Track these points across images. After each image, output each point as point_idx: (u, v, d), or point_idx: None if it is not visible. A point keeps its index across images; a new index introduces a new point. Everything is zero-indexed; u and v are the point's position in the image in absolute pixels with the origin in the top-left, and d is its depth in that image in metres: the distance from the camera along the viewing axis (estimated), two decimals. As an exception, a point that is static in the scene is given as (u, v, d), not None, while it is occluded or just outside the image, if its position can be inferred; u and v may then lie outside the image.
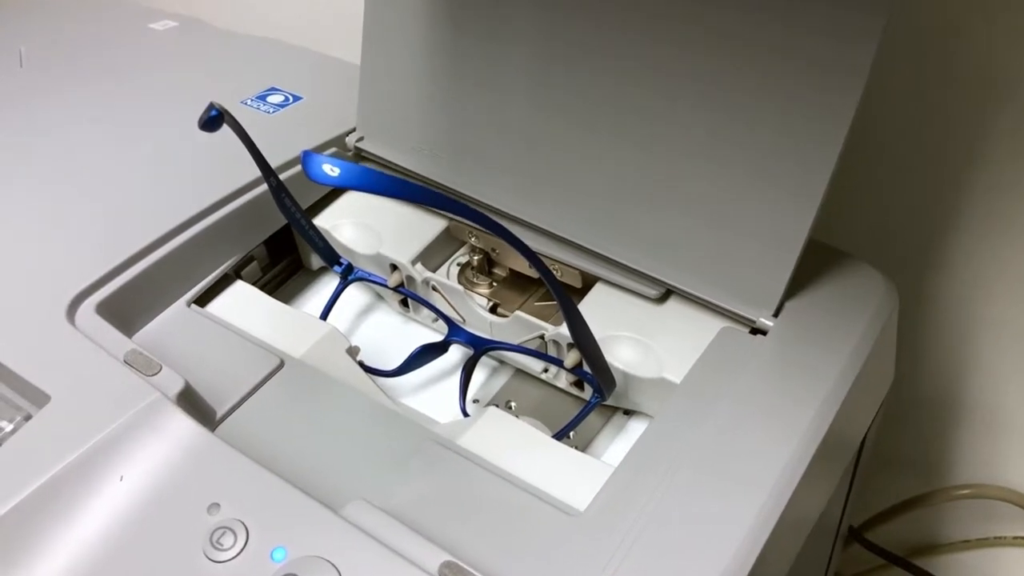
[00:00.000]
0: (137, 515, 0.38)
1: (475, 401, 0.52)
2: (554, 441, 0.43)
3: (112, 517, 0.38)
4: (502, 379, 0.53)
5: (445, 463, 0.41)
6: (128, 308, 0.48)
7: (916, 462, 0.76)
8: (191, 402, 0.43)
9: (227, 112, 0.39)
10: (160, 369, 0.43)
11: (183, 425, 0.40)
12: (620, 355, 0.47)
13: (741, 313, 0.46)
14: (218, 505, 0.38)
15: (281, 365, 0.46)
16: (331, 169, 0.33)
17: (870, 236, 0.66)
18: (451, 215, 0.34)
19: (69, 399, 0.41)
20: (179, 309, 0.50)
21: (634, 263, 0.49)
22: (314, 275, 0.62)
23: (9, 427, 0.41)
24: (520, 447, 0.43)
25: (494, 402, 0.51)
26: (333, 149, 0.58)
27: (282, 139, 0.58)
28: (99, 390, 0.41)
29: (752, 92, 0.42)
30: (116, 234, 0.50)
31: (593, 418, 0.49)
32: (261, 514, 0.37)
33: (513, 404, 0.51)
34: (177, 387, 0.42)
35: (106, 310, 0.47)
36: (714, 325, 0.47)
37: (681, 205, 0.47)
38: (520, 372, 0.53)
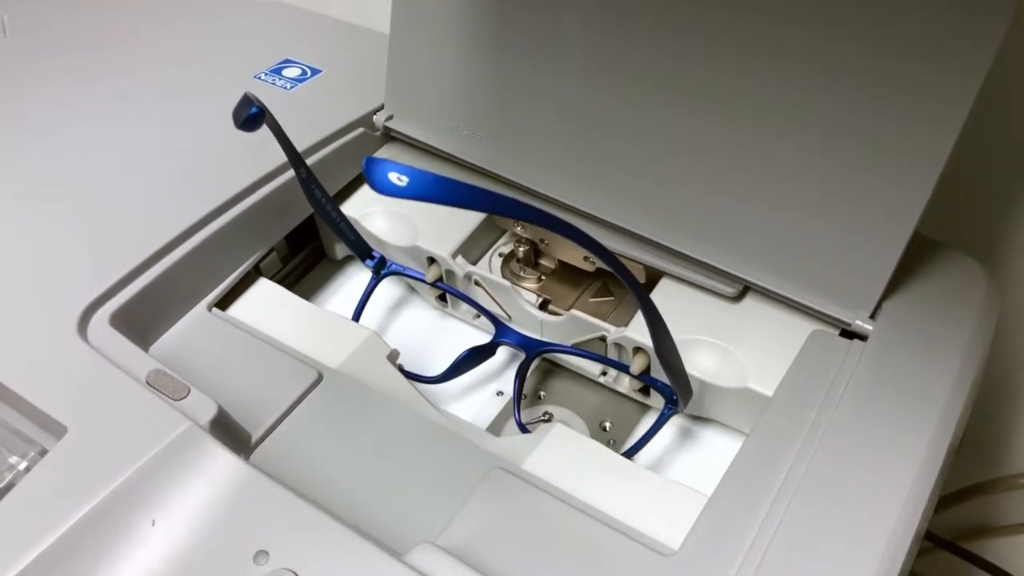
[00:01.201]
0: (174, 566, 0.34)
1: (499, 393, 0.48)
2: (631, 464, 0.39)
3: (145, 570, 0.34)
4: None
5: (514, 493, 0.37)
6: (144, 317, 0.44)
7: (976, 448, 0.73)
8: (225, 429, 0.38)
9: (267, 110, 0.34)
10: (188, 392, 0.39)
11: (221, 458, 0.36)
12: (697, 362, 0.43)
13: (833, 315, 0.42)
14: (266, 553, 0.34)
15: (319, 379, 0.42)
16: (398, 178, 0.28)
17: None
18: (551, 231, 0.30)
19: (88, 431, 0.37)
20: (200, 315, 0.46)
21: (708, 257, 0.45)
22: (338, 265, 0.57)
23: (22, 464, 0.36)
24: (593, 471, 0.39)
25: (526, 393, 0.48)
26: (360, 130, 0.53)
27: (303, 119, 0.53)
28: (121, 419, 0.37)
29: (865, 69, 0.38)
30: (125, 235, 0.46)
31: (622, 409, 0.45)
32: (315, 563, 0.34)
33: (542, 394, 0.48)
34: (209, 413, 0.38)
35: (121, 321, 0.42)
36: (801, 327, 0.43)
37: (766, 193, 0.42)
38: (544, 362, 0.49)
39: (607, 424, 0.47)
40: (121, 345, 0.41)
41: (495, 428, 0.47)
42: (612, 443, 0.46)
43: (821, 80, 0.39)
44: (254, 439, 0.40)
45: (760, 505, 0.35)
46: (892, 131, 0.38)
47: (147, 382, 0.39)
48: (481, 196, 0.29)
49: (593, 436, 0.45)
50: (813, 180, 0.41)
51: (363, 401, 0.42)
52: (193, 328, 0.45)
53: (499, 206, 0.29)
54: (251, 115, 0.31)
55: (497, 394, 0.48)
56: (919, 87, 0.37)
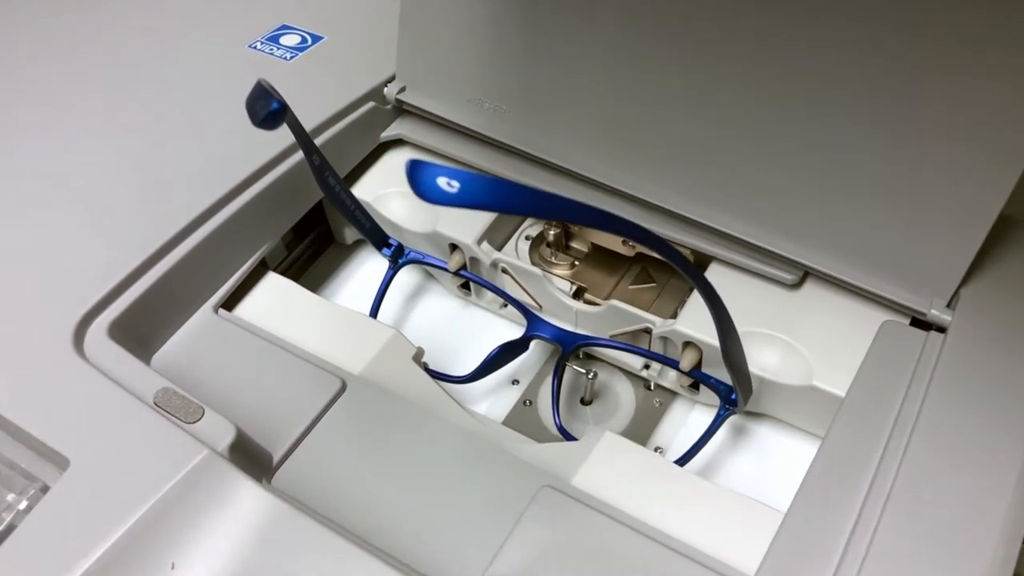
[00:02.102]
0: (199, 615, 0.31)
1: (515, 382, 0.46)
2: (691, 476, 0.36)
3: (168, 620, 0.31)
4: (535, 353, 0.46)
5: (567, 516, 0.34)
6: (145, 324, 0.40)
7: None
8: (245, 453, 0.35)
9: (288, 106, 0.30)
10: (202, 414, 0.35)
11: (243, 489, 0.33)
12: (756, 357, 0.40)
13: (905, 303, 0.39)
14: (300, 596, 0.31)
15: (343, 388, 0.39)
16: (448, 184, 0.25)
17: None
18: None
19: (93, 463, 0.33)
20: (205, 317, 0.42)
21: (763, 240, 0.41)
22: (348, 250, 0.54)
23: (22, 503, 0.33)
24: (650, 485, 0.36)
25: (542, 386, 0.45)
26: (370, 105, 0.49)
27: (306, 94, 0.49)
28: (130, 448, 0.34)
29: (959, 31, 0.34)
30: (119, 235, 0.42)
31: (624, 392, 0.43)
32: (356, 606, 0.30)
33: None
34: (228, 436, 0.35)
35: (120, 331, 0.39)
36: (868, 317, 0.39)
37: (828, 167, 0.39)
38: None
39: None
40: (123, 360, 0.37)
41: (516, 422, 0.43)
42: (659, 404, 0.43)
43: (905, 42, 0.35)
44: (275, 459, 0.37)
45: (843, 523, 0.32)
46: (982, 97, 0.34)
47: (155, 403, 0.35)
48: (547, 202, 0.25)
49: (639, 399, 0.43)
50: (883, 152, 0.37)
51: (391, 411, 0.39)
52: (199, 333, 0.42)
53: (569, 212, 0.25)
54: (271, 112, 0.27)
55: (512, 383, 0.45)
56: (1016, 52, 0.33)
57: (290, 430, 0.37)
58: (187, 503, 0.32)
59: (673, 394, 0.44)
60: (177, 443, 0.34)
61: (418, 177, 0.25)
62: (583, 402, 0.44)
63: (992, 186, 0.35)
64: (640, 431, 0.43)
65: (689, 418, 0.43)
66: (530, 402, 0.44)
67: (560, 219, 0.26)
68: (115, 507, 0.32)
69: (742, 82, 0.39)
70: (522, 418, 0.44)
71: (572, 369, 0.44)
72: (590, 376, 0.42)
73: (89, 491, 0.33)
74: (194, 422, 0.35)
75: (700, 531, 0.34)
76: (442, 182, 0.25)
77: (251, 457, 0.36)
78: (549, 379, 0.44)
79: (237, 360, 0.40)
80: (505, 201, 0.25)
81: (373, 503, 0.35)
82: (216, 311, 0.43)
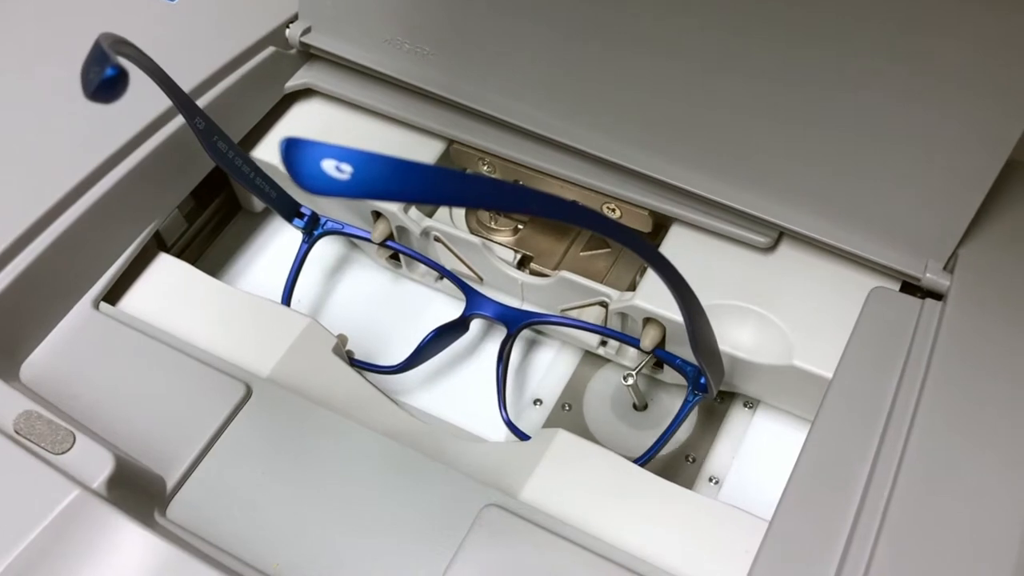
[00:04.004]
0: None
1: (537, 402, 0.40)
2: (661, 481, 0.32)
3: None
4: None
5: (516, 538, 0.30)
6: (7, 329, 0.35)
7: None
8: (128, 485, 0.30)
9: (135, 51, 0.24)
10: (72, 442, 0.30)
11: (128, 534, 0.28)
12: (726, 333, 0.35)
13: (896, 266, 0.34)
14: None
15: (248, 394, 0.34)
16: (337, 168, 0.19)
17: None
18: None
19: (-63, 511, 0.28)
20: (83, 315, 0.37)
21: (732, 199, 0.36)
22: (258, 219, 0.48)
23: None
24: (612, 495, 0.32)
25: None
26: (270, 50, 0.43)
27: (194, 39, 0.43)
28: (-18, 491, 0.29)
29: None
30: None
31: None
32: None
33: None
34: (104, 469, 0.30)
35: (-26, 339, 0.33)
36: (854, 283, 0.35)
37: (807, 114, 0.34)
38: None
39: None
40: (-25, 376, 0.32)
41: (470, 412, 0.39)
42: (719, 402, 0.39)
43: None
44: (170, 485, 0.32)
45: (838, 532, 0.28)
46: (985, 27, 0.30)
47: (15, 431, 0.30)
48: (468, 188, 0.20)
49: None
50: (869, 89, 0.32)
51: (306, 418, 0.34)
52: (76, 334, 0.36)
53: (500, 198, 0.20)
54: (105, 80, 0.21)
55: (535, 403, 0.40)
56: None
57: (186, 449, 0.33)
58: (55, 555, 0.27)
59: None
60: (41, 481, 0.29)
61: (296, 160, 0.19)
62: (636, 408, 0.40)
63: (997, 128, 0.31)
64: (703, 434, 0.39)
65: (754, 418, 0.39)
66: (569, 406, 0.40)
67: (486, 207, 0.21)
68: (-35, 567, 0.27)
69: (704, 9, 0.34)
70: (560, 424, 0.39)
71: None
72: (629, 383, 0.37)
73: (-68, 548, 0.27)
74: (63, 452, 0.30)
75: (669, 548, 0.30)
76: (329, 166, 0.19)
77: (137, 488, 0.31)
78: (593, 383, 0.40)
79: (122, 365, 0.35)
80: (416, 189, 0.20)
81: (286, 531, 0.31)
82: (96, 306, 0.37)
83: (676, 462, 0.37)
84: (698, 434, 0.38)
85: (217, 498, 0.32)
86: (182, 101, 0.33)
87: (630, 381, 0.37)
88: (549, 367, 0.41)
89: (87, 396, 0.34)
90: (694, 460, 0.38)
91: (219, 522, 0.31)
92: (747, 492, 0.36)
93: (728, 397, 0.39)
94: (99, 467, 0.29)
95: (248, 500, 0.32)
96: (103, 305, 0.37)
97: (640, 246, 0.24)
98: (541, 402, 0.40)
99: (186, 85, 0.40)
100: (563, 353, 0.42)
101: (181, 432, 0.33)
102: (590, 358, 0.41)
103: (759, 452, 0.37)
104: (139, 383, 0.34)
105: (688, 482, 0.37)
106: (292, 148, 0.19)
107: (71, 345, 0.36)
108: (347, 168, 0.19)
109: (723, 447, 0.38)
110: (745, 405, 0.39)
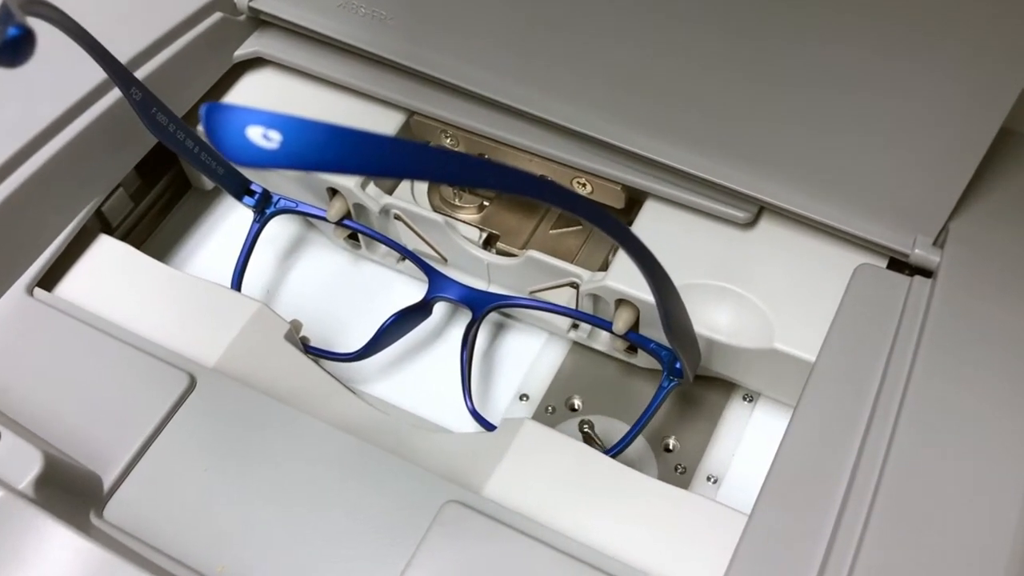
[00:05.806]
0: None
1: (523, 397, 0.39)
2: (635, 474, 0.31)
3: None
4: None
5: (479, 537, 0.28)
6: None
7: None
8: (59, 485, 0.29)
9: (54, 12, 0.23)
10: (-4, 439, 0.28)
11: (58, 539, 0.26)
12: (702, 314, 0.34)
13: (882, 242, 0.33)
14: None
15: (192, 386, 0.33)
16: (264, 136, 0.18)
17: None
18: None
19: None
20: (16, 301, 0.35)
21: (710, 172, 0.35)
22: (209, 197, 0.46)
23: None
24: (583, 489, 0.30)
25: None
26: (217, 16, 0.41)
27: (131, 9, 0.41)
28: None
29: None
30: None
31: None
32: None
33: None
34: (32, 468, 0.28)
35: None
36: (838, 260, 0.34)
37: (788, 80, 0.33)
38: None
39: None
40: None
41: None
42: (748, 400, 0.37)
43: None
44: (107, 484, 0.30)
45: (821, 526, 0.27)
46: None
47: (-70, 428, 0.28)
48: (422, 156, 0.18)
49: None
50: (854, 52, 0.31)
51: (253, 410, 0.32)
52: (8, 322, 0.35)
53: (445, 166, 0.19)
54: (8, 42, 0.19)
55: (520, 399, 0.39)
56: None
57: (125, 444, 0.31)
58: (-24, 565, 0.26)
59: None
60: (-41, 483, 0.27)
61: (219, 128, 0.18)
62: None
63: (990, 93, 0.30)
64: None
65: (755, 413, 0.38)
66: (552, 408, 0.38)
67: (433, 179, 0.19)
68: None
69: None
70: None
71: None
72: (584, 431, 0.36)
73: None
74: (-15, 451, 0.28)
75: (640, 545, 0.29)
76: (255, 134, 0.18)
77: (70, 488, 0.29)
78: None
79: (56, 356, 0.33)
80: (355, 159, 0.18)
81: (232, 532, 0.29)
82: (30, 292, 0.35)
83: (656, 452, 0.36)
84: (674, 420, 0.37)
85: (158, 497, 0.30)
86: (114, 69, 0.31)
87: (585, 428, 0.36)
88: (536, 358, 0.40)
89: (17, 389, 0.32)
90: (672, 449, 0.36)
91: (160, 522, 0.30)
92: (747, 491, 0.35)
93: (726, 389, 0.38)
94: (26, 466, 0.28)
95: (192, 499, 0.30)
96: (37, 291, 0.36)
97: (605, 220, 0.22)
98: (527, 397, 0.39)
99: (125, 54, 0.38)
100: (552, 343, 0.40)
101: (120, 427, 0.31)
102: (580, 348, 0.40)
103: (760, 448, 0.36)
104: (75, 375, 0.33)
105: (666, 473, 0.36)
106: (214, 114, 0.18)
107: (1, 334, 0.34)
108: (275, 136, 0.18)
109: (722, 444, 0.36)
110: (744, 399, 0.38)
